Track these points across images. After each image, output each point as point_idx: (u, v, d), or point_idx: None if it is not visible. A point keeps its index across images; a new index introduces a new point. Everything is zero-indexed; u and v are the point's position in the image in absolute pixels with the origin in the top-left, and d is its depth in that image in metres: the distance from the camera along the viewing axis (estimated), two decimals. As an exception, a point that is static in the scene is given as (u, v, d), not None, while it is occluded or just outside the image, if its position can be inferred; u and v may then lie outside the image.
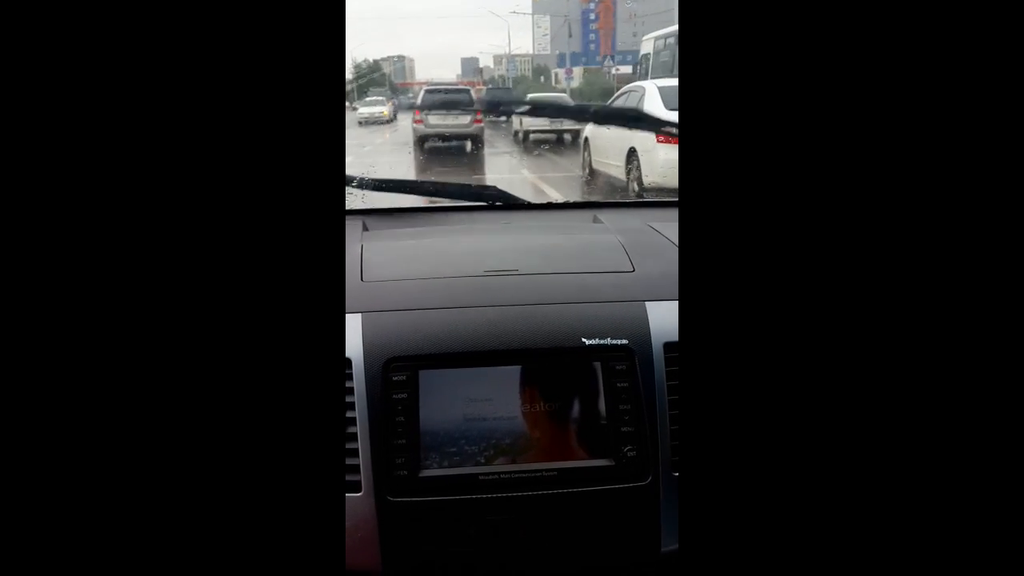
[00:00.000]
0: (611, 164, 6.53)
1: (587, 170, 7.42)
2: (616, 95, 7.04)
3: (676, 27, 10.52)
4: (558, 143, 11.93)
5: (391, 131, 15.03)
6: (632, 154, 5.98)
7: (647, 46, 13.17)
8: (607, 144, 6.66)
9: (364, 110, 16.40)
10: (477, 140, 11.28)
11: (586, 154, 7.49)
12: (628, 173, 5.99)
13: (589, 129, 7.41)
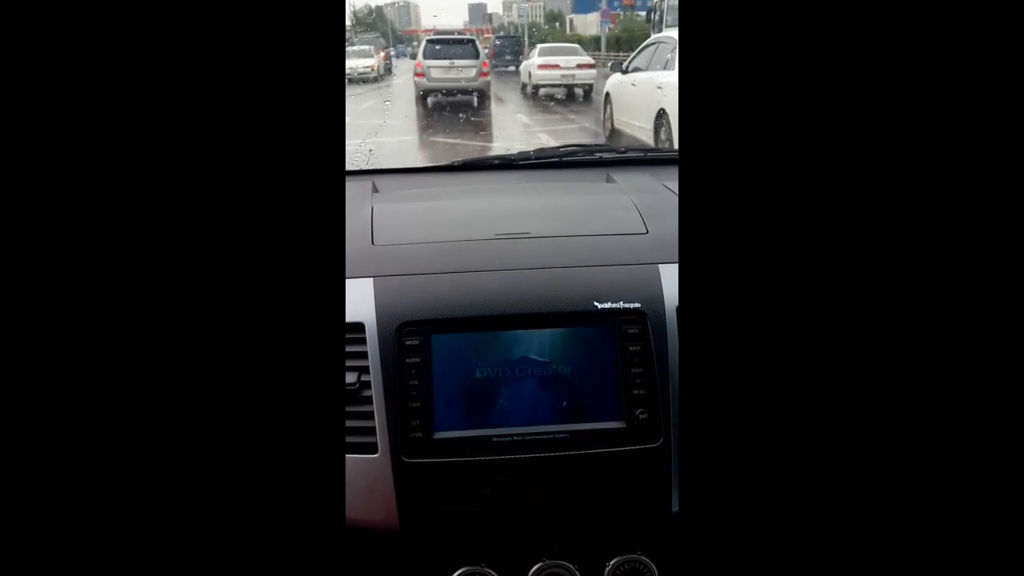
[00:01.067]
0: (636, 125, 5.72)
1: (608, 129, 6.63)
2: (640, 48, 6.10)
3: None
4: (569, 98, 11.18)
5: (377, 95, 11.97)
6: (662, 116, 5.13)
7: None
8: (633, 102, 5.84)
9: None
10: (483, 94, 10.42)
11: (608, 110, 6.67)
12: (656, 135, 5.19)
13: (612, 83, 6.57)
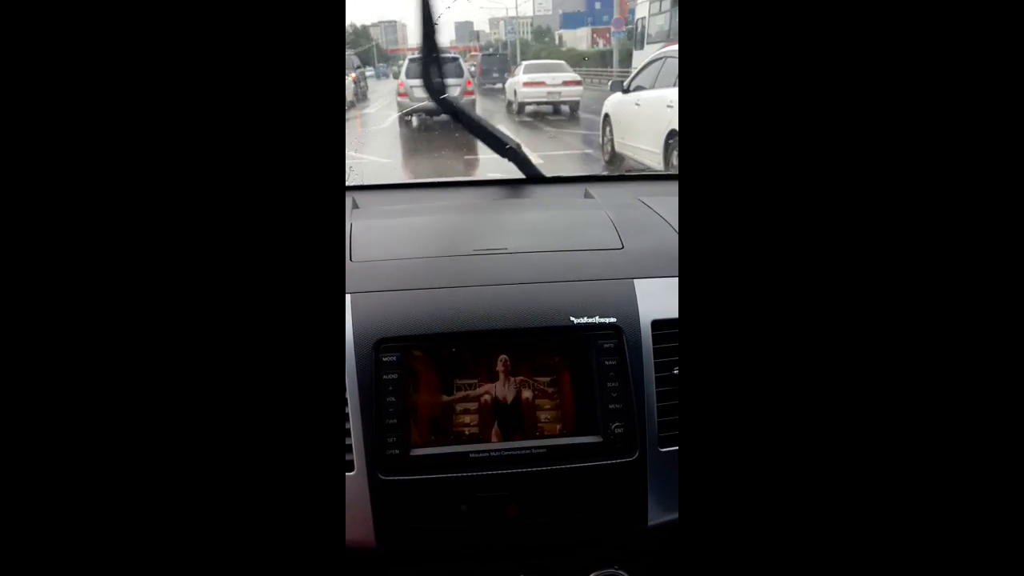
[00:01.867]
0: (642, 148, 5.12)
1: (608, 152, 6.01)
2: (644, 65, 5.50)
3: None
4: (555, 114, 10.84)
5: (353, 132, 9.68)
6: (674, 137, 4.53)
7: (642, 8, 12.35)
8: (637, 123, 5.24)
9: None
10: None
11: (607, 133, 6.05)
12: (667, 158, 4.60)
13: (611, 104, 5.94)
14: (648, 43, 11.88)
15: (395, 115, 9.42)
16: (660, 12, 11.55)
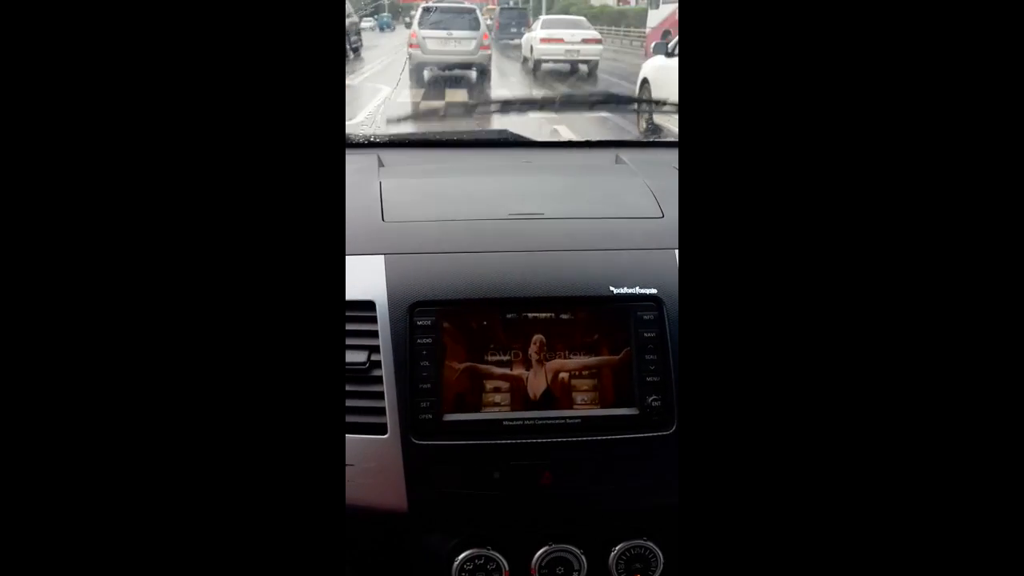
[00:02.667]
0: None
1: (645, 123, 5.71)
2: None
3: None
4: (571, 74, 10.48)
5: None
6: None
7: None
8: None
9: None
10: (483, 70, 9.60)
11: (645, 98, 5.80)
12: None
13: (651, 68, 5.62)
14: (664, 2, 11.68)
15: (387, 89, 8.04)
16: None
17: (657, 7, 12.26)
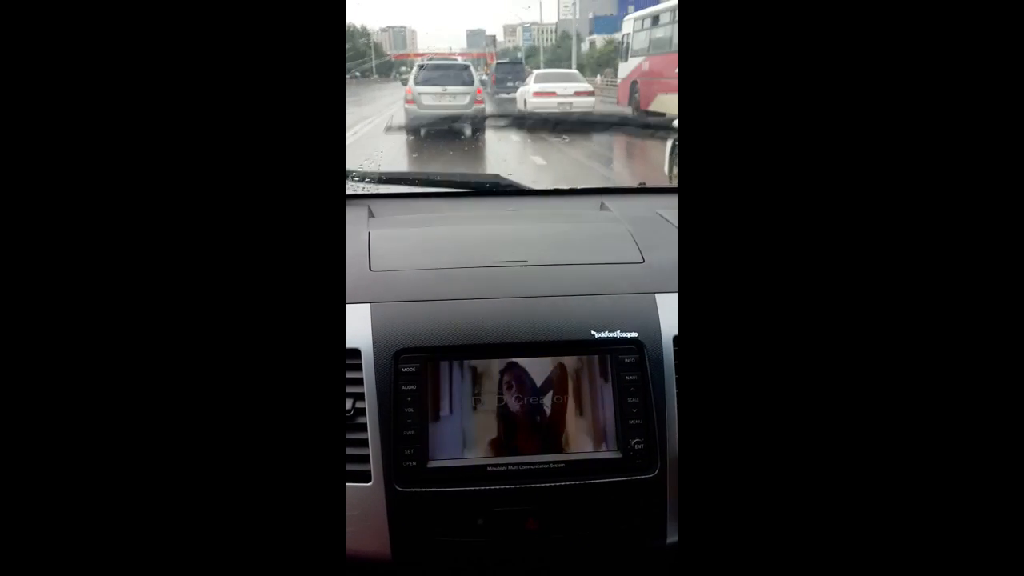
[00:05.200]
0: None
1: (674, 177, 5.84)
2: None
3: (658, 7, 11.06)
4: (561, 124, 10.64)
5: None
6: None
7: (627, 26, 13.31)
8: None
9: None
10: (478, 124, 9.99)
11: (674, 156, 5.94)
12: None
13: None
14: (631, 56, 12.83)
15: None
16: (642, 29, 12.61)
17: (626, 60, 13.17)
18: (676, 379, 0.80)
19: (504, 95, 14.43)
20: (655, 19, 11.99)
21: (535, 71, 12.69)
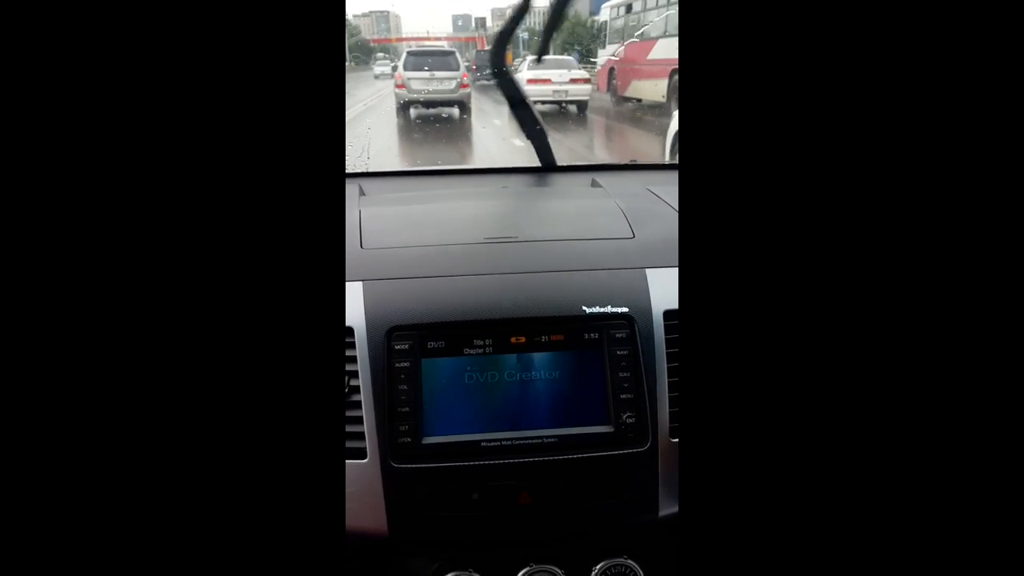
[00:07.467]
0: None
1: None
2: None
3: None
4: (561, 115, 10.73)
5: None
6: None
7: (605, 13, 13.63)
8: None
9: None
10: (464, 106, 10.50)
11: (676, 145, 6.17)
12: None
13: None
14: (609, 43, 13.15)
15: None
16: (618, 17, 12.83)
17: (604, 47, 13.48)
18: (667, 353, 0.81)
19: (486, 82, 14.70)
20: (628, 7, 12.20)
21: (528, 57, 12.23)
